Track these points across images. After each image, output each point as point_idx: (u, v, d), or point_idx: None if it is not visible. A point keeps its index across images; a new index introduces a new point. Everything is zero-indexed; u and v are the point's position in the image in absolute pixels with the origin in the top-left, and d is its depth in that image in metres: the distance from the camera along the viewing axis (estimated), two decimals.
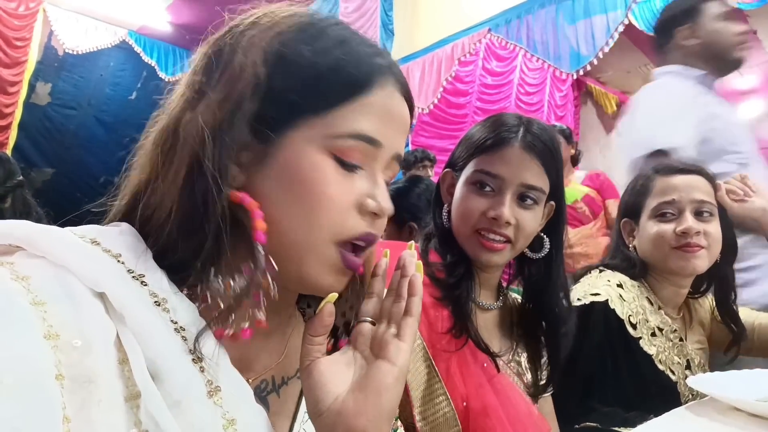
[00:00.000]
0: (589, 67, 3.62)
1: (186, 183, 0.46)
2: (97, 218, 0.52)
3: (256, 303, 0.47)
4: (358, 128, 0.49)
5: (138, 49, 6.08)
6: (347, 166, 0.49)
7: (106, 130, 6.19)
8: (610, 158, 6.58)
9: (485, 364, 0.92)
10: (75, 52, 5.67)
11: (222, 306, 0.46)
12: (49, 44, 5.62)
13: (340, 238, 0.49)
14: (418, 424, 0.83)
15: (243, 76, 0.48)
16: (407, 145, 4.73)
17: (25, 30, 5.19)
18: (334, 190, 0.48)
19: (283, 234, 0.48)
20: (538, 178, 0.92)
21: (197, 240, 0.46)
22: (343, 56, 0.50)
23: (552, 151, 0.93)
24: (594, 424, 1.03)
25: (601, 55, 3.53)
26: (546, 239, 0.99)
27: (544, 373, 1.02)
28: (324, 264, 0.49)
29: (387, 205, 0.51)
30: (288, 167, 0.48)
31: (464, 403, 0.86)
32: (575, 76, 3.80)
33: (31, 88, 5.51)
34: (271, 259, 0.47)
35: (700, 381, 0.85)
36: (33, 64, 5.38)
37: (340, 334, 0.56)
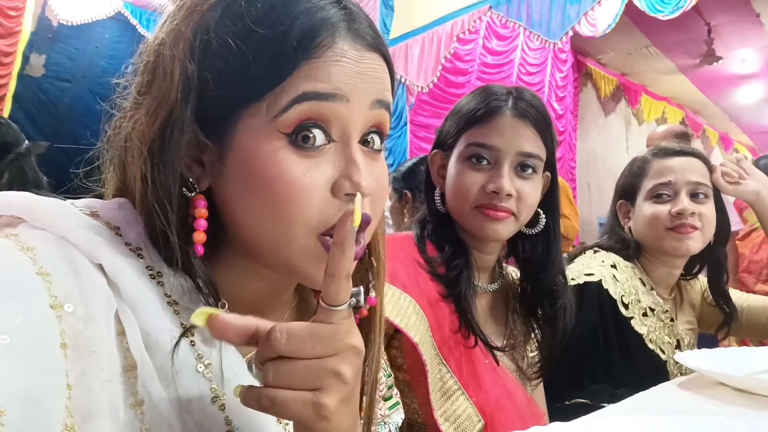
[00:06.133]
0: (571, 33, 3.59)
1: (147, 187, 0.44)
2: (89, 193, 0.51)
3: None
4: (301, 90, 0.43)
5: (134, 21, 5.95)
6: (306, 148, 0.44)
7: (101, 103, 6.11)
8: (607, 140, 6.59)
9: (487, 361, 0.90)
10: (69, 23, 5.54)
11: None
12: (43, 15, 5.50)
13: (320, 230, 0.45)
14: (442, 427, 0.80)
15: (173, 76, 0.44)
16: (405, 123, 4.69)
17: None
18: (298, 181, 0.43)
19: (259, 234, 0.46)
20: (535, 145, 0.88)
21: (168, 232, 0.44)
22: (270, 32, 0.43)
23: (545, 117, 0.90)
24: (584, 400, 1.05)
25: (588, 20, 3.50)
26: (542, 214, 0.94)
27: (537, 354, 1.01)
28: (309, 257, 0.45)
29: (367, 182, 0.44)
30: (243, 164, 0.44)
31: (473, 399, 0.85)
32: (560, 43, 3.75)
33: (25, 59, 5.40)
34: (260, 251, 0.47)
35: (687, 357, 0.86)
36: (27, 35, 5.27)
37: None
